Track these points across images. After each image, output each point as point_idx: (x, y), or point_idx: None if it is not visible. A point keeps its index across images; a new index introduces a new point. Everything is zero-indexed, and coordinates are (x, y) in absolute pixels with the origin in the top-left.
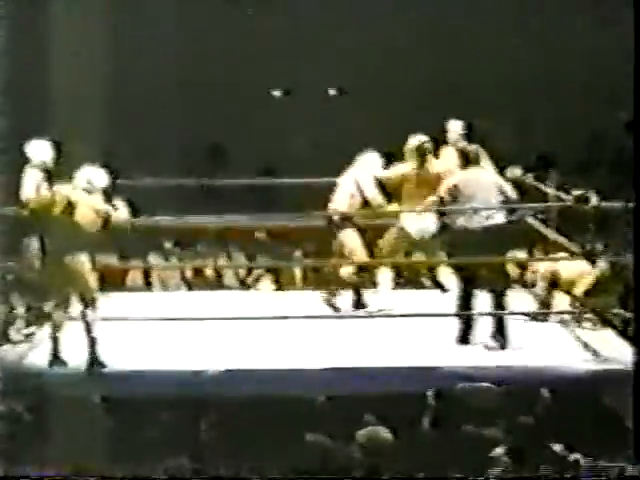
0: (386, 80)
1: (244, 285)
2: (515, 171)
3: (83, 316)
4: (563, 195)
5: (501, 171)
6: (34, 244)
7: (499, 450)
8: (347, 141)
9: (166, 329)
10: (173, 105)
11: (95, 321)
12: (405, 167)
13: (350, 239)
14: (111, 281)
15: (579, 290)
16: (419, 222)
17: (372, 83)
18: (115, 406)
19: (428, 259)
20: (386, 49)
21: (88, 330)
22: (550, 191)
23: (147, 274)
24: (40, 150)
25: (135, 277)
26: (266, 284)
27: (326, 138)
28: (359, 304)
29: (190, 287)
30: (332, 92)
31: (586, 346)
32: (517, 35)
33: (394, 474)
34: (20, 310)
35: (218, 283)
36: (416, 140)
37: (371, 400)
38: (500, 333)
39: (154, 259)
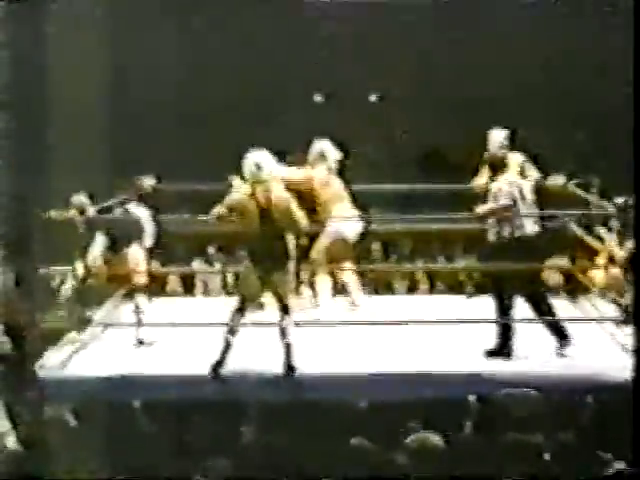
0: (426, 87)
1: None
2: (558, 179)
3: (280, 321)
4: (605, 203)
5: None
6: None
7: (543, 456)
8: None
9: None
10: (216, 110)
11: (290, 326)
12: (318, 171)
13: None
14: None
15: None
16: (353, 226)
17: (412, 90)
18: (152, 409)
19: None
20: (427, 56)
21: (283, 335)
22: (593, 199)
23: (187, 280)
24: None
25: (175, 283)
26: (307, 290)
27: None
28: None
29: (230, 293)
30: (373, 98)
31: (629, 352)
32: (557, 42)
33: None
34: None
35: None
36: (320, 145)
37: (413, 405)
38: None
39: (198, 265)
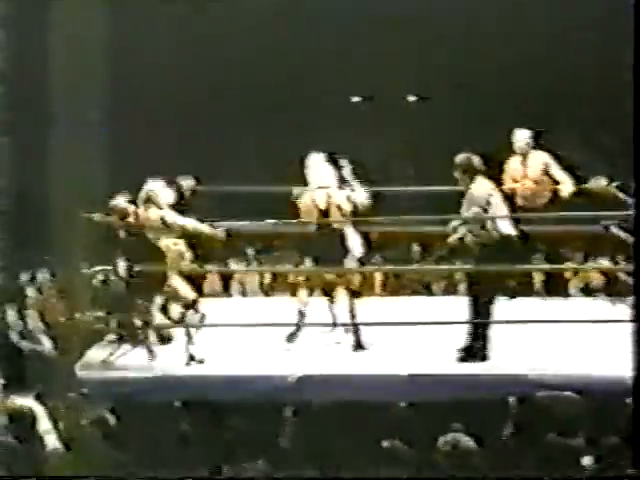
0: (465, 87)
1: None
2: (600, 181)
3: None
4: None
5: (584, 181)
6: None
7: (583, 459)
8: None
9: (246, 334)
10: (253, 111)
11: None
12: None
13: None
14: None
15: None
16: None
17: (451, 90)
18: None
19: None
20: (466, 55)
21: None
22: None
23: (225, 280)
24: None
25: (213, 283)
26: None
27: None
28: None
29: (267, 293)
30: (411, 98)
31: None
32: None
33: None
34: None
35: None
36: (150, 186)
37: (452, 407)
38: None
39: (235, 265)
